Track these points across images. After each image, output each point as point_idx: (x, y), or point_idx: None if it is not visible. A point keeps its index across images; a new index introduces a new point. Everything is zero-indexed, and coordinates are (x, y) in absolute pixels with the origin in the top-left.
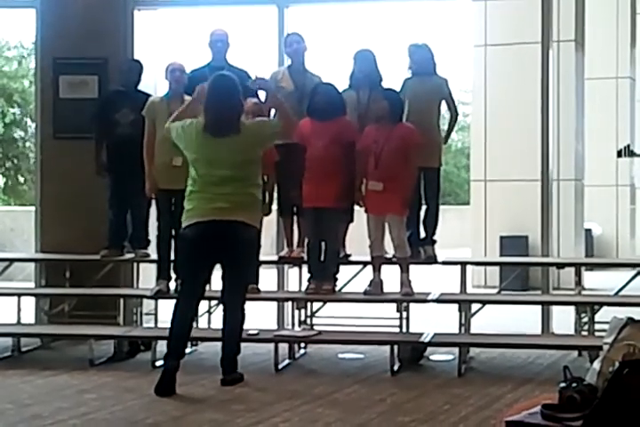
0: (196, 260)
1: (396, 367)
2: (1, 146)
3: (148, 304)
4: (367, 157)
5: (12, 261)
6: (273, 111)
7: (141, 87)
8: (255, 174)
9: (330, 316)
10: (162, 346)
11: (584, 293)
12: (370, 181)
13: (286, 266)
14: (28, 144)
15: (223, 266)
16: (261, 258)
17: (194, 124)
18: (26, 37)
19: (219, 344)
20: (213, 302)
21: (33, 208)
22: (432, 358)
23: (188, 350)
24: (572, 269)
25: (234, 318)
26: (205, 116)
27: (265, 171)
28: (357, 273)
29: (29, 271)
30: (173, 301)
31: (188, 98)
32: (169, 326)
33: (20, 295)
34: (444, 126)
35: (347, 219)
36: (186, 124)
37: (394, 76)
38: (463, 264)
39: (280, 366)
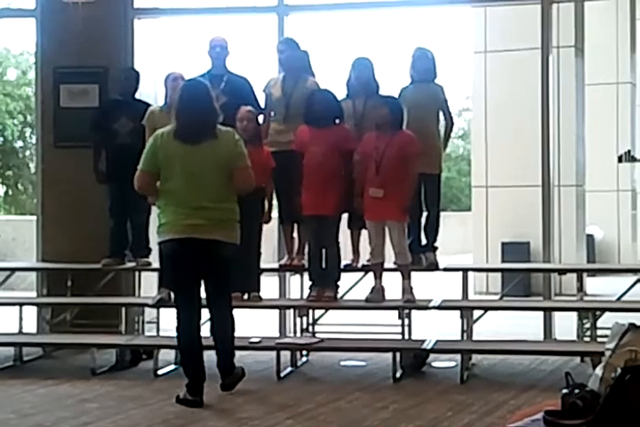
0: (181, 274)
1: (398, 374)
2: (1, 155)
3: (149, 313)
4: (367, 164)
5: (13, 270)
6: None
7: (142, 96)
8: (232, 187)
9: (332, 323)
10: (164, 354)
11: (586, 298)
12: (370, 187)
13: (288, 274)
14: (28, 153)
15: (205, 280)
16: (263, 266)
17: (164, 134)
18: (29, 45)
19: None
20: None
21: (34, 217)
22: (434, 364)
23: None
24: (574, 275)
25: (224, 324)
26: (177, 123)
27: (262, 179)
28: (359, 280)
29: (31, 281)
30: (175, 309)
31: None
32: (175, 340)
33: (21, 305)
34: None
35: (358, 226)
36: (155, 138)
37: (394, 81)
38: (465, 271)
39: (282, 374)
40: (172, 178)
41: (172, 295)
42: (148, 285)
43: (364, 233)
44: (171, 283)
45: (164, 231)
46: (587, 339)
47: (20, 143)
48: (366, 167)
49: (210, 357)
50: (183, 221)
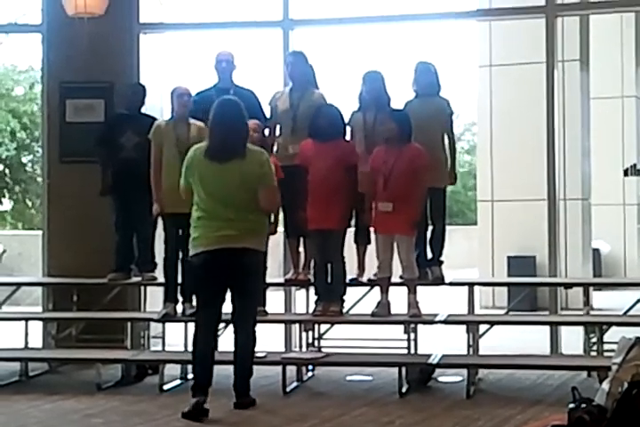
0: (208, 288)
1: (404, 389)
2: (9, 170)
3: (155, 328)
4: (376, 178)
5: (19, 285)
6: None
7: (148, 110)
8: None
9: (337, 338)
10: (170, 369)
11: (592, 313)
12: (379, 202)
13: (293, 288)
14: (36, 168)
15: (232, 291)
16: (268, 280)
17: (197, 152)
18: (36, 61)
19: (227, 367)
20: (221, 325)
21: (40, 232)
22: (440, 379)
23: None
24: (580, 289)
25: (246, 341)
26: (209, 141)
27: None
28: (365, 295)
29: (37, 295)
30: (181, 324)
31: (193, 121)
32: (191, 354)
33: (27, 320)
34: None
35: (364, 241)
36: (190, 155)
37: (400, 95)
38: (471, 285)
39: (288, 389)
40: (202, 194)
41: (184, 309)
42: (154, 299)
43: (370, 248)
44: (200, 295)
45: (197, 245)
46: (593, 353)
47: (26, 158)
48: (375, 182)
49: (220, 371)
50: (215, 232)
